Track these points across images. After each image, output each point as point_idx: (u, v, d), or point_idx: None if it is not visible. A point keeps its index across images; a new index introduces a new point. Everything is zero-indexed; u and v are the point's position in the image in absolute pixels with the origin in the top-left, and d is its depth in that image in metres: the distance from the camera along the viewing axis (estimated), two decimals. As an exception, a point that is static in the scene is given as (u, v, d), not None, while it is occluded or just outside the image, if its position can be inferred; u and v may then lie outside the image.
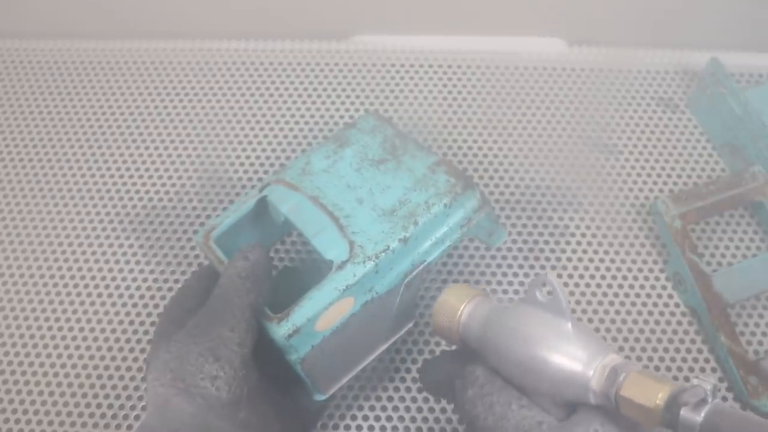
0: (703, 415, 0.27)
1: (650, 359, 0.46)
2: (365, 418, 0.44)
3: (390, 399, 0.45)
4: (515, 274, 0.49)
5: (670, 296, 0.48)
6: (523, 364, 0.33)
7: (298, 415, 0.40)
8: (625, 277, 0.49)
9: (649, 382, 0.29)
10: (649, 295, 0.48)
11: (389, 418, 0.44)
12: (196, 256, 0.50)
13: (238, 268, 0.37)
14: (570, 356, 0.32)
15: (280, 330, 0.37)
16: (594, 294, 0.49)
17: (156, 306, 0.48)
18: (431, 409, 0.45)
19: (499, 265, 0.49)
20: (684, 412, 0.28)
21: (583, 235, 0.51)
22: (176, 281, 0.49)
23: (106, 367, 0.47)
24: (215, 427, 0.34)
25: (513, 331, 0.33)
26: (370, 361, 0.42)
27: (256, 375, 0.36)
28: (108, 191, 0.54)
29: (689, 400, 0.28)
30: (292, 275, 0.46)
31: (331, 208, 0.41)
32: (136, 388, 0.46)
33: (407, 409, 0.45)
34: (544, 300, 0.33)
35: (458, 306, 0.36)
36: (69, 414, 0.45)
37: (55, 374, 0.46)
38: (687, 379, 0.45)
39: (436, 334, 0.38)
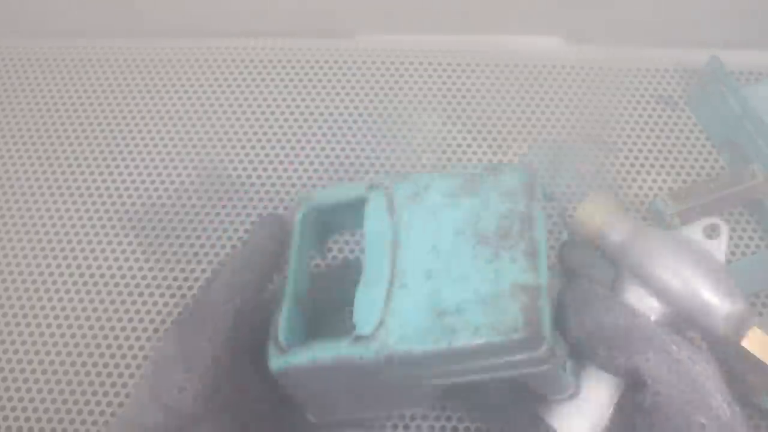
0: None
1: (649, 357, 0.46)
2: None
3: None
4: (514, 272, 0.49)
5: (670, 294, 0.48)
6: (665, 280, 0.35)
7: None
8: (624, 275, 0.49)
9: None
10: (648, 293, 0.48)
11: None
12: (196, 254, 0.50)
13: (235, 284, 0.36)
14: (715, 287, 0.34)
15: (275, 362, 0.34)
16: (593, 292, 0.48)
17: (155, 303, 0.48)
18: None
19: (498, 263, 0.49)
20: None
21: (583, 232, 0.51)
22: (175, 279, 0.49)
23: (106, 365, 0.47)
24: None
25: (665, 247, 0.36)
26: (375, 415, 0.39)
27: (231, 388, 0.35)
28: (107, 189, 0.54)
29: None
30: (348, 270, 0.42)
31: (400, 263, 0.34)
32: (136, 386, 0.46)
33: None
34: (702, 239, 0.36)
35: (603, 216, 0.39)
36: (68, 411, 0.45)
37: (55, 372, 0.46)
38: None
39: (574, 226, 0.40)
